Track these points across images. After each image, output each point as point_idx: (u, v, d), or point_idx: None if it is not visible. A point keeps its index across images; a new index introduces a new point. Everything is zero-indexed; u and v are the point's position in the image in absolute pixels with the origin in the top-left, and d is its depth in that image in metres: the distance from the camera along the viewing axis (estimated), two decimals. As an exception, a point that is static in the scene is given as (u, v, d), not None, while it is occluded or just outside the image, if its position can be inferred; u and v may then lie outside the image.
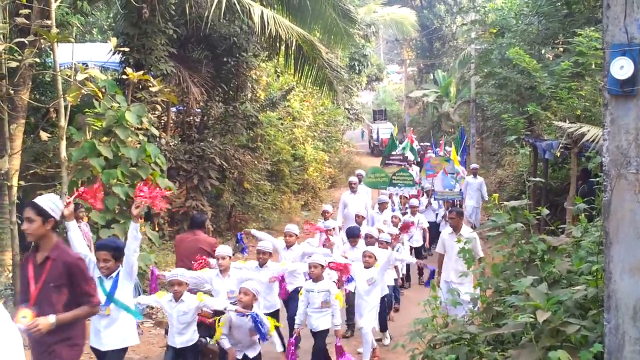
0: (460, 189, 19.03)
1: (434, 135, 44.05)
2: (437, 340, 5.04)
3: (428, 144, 33.66)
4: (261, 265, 9.17)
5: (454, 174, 19.12)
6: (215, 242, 9.76)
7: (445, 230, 10.87)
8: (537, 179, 6.61)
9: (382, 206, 15.54)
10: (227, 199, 17.97)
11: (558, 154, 13.56)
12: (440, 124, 44.34)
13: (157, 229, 14.44)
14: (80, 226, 11.16)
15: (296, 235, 10.28)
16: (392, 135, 31.20)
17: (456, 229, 10.13)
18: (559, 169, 17.68)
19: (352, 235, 11.38)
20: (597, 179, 5.10)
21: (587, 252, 4.94)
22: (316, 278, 8.72)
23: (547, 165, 16.49)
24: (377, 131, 43.66)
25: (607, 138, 3.91)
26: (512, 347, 4.58)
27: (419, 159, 26.84)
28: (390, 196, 16.78)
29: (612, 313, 3.88)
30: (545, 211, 5.52)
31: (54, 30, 10.71)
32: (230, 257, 8.81)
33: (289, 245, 10.12)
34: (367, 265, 9.59)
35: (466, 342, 4.76)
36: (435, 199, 17.83)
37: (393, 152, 21.96)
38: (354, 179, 16.18)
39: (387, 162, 21.07)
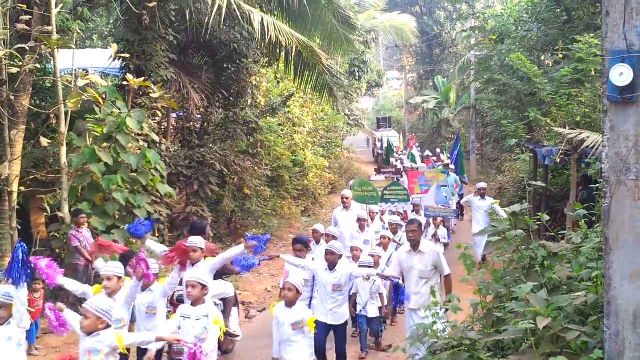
0: (457, 207, 17.37)
1: (434, 141, 44.14)
2: (437, 346, 5.04)
3: (431, 154, 33.32)
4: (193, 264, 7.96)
5: (447, 186, 17.63)
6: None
7: (402, 249, 8.95)
8: (538, 182, 6.61)
9: (361, 224, 13.06)
10: (227, 204, 17.96)
11: (558, 160, 13.56)
12: (440, 130, 44.39)
13: (157, 234, 14.45)
14: (81, 232, 11.23)
15: (201, 249, 8.28)
16: (389, 144, 30.37)
17: (415, 245, 8.49)
18: (559, 175, 17.68)
19: (300, 242, 9.36)
20: (597, 185, 5.11)
21: (587, 259, 4.95)
22: (195, 300, 6.76)
23: (547, 171, 16.49)
24: (382, 139, 42.63)
25: (607, 145, 3.92)
26: (513, 353, 4.57)
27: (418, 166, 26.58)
28: (382, 213, 15.19)
29: (612, 319, 3.88)
30: (546, 217, 5.52)
31: (55, 36, 10.78)
32: (119, 277, 7.09)
33: (193, 263, 8.10)
34: (288, 303, 7.19)
35: (466, 348, 4.75)
36: (426, 216, 15.34)
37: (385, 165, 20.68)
38: (347, 192, 14.19)
39: (373, 178, 19.62)
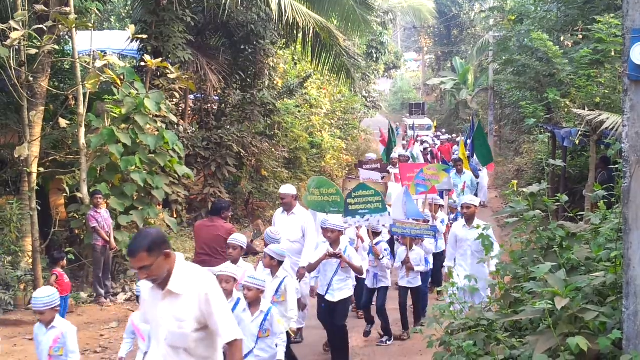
0: (447, 218, 12.55)
1: (451, 123, 43.87)
2: (454, 327, 5.03)
3: (454, 136, 32.13)
4: None
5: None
6: (232, 229, 9.68)
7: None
8: (557, 162, 6.51)
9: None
10: (244, 186, 18.01)
11: (577, 142, 13.44)
12: (458, 111, 44.22)
13: (175, 215, 14.52)
14: (99, 212, 11.31)
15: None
16: (390, 129, 23.32)
17: (162, 282, 4.34)
18: (577, 157, 17.55)
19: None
20: (617, 166, 5.06)
21: (606, 239, 4.91)
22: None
23: (565, 153, 16.36)
24: (413, 127, 38.95)
25: (627, 124, 3.87)
26: (530, 333, 4.56)
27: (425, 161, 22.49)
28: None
29: (631, 300, 3.86)
30: (565, 198, 5.47)
31: (73, 16, 10.78)
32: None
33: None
34: None
35: (484, 329, 4.74)
36: (391, 233, 10.39)
37: (370, 159, 17.57)
38: (286, 189, 9.96)
39: (349, 177, 14.55)
